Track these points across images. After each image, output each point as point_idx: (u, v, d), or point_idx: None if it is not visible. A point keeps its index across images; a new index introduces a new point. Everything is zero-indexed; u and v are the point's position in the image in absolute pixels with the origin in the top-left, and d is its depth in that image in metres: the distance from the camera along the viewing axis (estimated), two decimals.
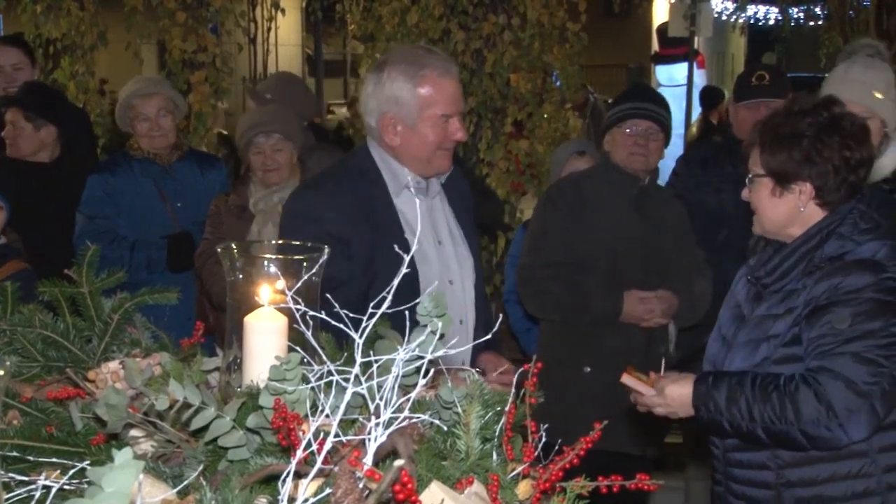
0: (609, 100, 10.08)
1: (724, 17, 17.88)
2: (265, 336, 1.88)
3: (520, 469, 1.72)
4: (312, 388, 1.62)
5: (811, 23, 13.99)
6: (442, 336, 1.72)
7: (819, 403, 2.62)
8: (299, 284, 1.79)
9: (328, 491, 1.44)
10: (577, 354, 4.26)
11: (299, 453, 1.41)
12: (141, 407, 1.77)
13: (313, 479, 1.42)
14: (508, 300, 4.98)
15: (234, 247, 1.97)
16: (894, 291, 2.72)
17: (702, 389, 2.75)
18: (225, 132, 8.94)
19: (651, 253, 4.28)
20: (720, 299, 4.05)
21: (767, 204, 2.88)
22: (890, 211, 2.91)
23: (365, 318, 1.59)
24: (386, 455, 1.54)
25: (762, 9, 19.06)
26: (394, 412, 1.50)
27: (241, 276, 1.95)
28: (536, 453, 1.76)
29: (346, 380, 1.53)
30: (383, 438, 1.49)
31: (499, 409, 1.78)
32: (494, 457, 1.73)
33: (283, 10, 8.43)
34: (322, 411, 1.50)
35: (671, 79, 11.57)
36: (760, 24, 19.49)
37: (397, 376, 1.56)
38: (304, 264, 1.91)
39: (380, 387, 1.53)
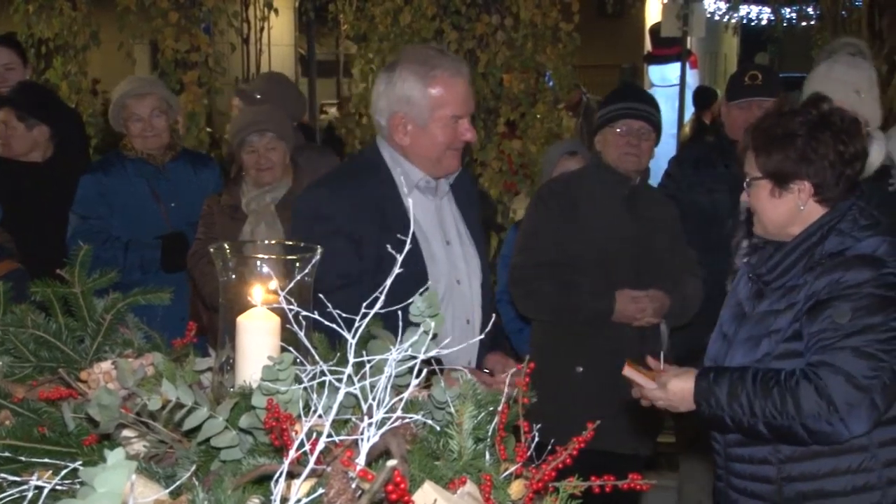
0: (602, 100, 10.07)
1: (716, 18, 17.88)
2: (258, 336, 1.87)
3: (512, 469, 1.72)
4: (305, 389, 1.61)
5: (804, 23, 13.99)
6: (435, 336, 1.72)
7: (820, 398, 2.64)
8: (292, 284, 1.79)
9: (321, 491, 1.44)
10: (570, 354, 4.27)
11: (292, 453, 1.41)
12: (133, 407, 1.77)
13: (306, 480, 1.42)
14: (500, 300, 4.98)
15: (227, 247, 1.97)
16: (894, 287, 2.74)
17: (703, 384, 2.77)
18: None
19: (642, 253, 4.28)
20: (713, 299, 4.08)
21: (767, 205, 2.90)
22: (889, 208, 2.94)
23: (357, 319, 1.59)
24: (379, 455, 1.54)
25: (755, 9, 19.08)
26: (386, 412, 1.50)
27: (233, 277, 1.94)
28: (529, 453, 1.76)
29: (339, 380, 1.53)
30: (376, 438, 1.49)
31: (491, 409, 1.78)
32: (487, 457, 1.73)
33: (276, 10, 8.41)
34: (315, 411, 1.50)
35: (664, 79, 11.56)
36: (753, 24, 19.51)
37: (390, 376, 1.56)
38: (297, 264, 1.91)
39: (372, 387, 1.53)
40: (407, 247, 1.65)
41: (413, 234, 3.06)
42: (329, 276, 2.89)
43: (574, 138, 8.36)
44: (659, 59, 11.70)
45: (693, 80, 12.00)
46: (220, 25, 7.61)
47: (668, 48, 11.09)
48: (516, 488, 1.68)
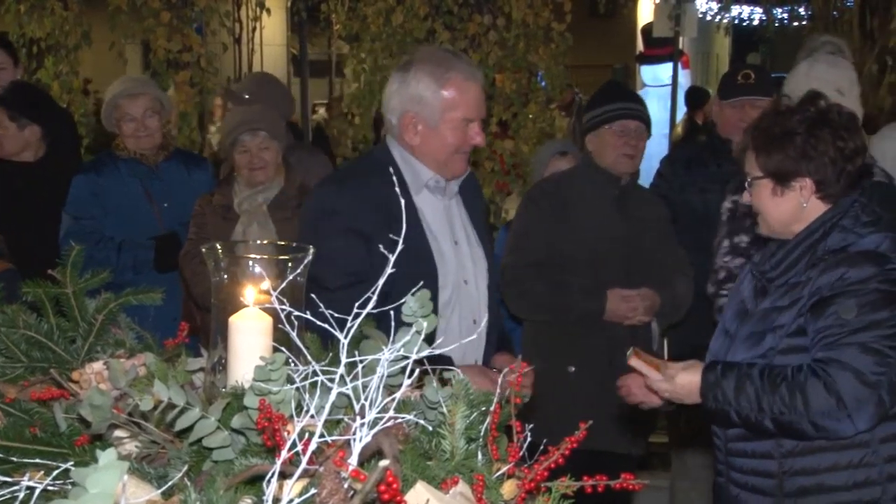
0: None
1: (708, 18, 17.90)
2: (250, 336, 1.87)
3: (505, 469, 1.72)
4: (297, 389, 1.61)
5: (795, 23, 14.01)
6: (433, 336, 1.72)
7: (828, 394, 2.65)
8: (284, 285, 1.79)
9: (313, 491, 1.44)
10: (562, 354, 4.27)
11: (284, 454, 1.41)
12: (125, 407, 1.77)
13: (298, 480, 1.42)
14: None
15: (219, 247, 1.97)
16: None
17: (710, 378, 2.77)
18: None
19: (633, 252, 4.29)
20: (706, 298, 4.09)
21: (770, 204, 2.92)
22: (891, 205, 2.96)
23: (350, 319, 1.58)
24: (371, 455, 1.54)
25: (746, 9, 19.09)
26: (379, 412, 1.50)
27: (225, 277, 1.94)
28: (521, 453, 1.76)
29: (331, 380, 1.53)
30: (368, 438, 1.48)
31: (484, 409, 1.78)
32: (479, 457, 1.73)
33: (268, 10, 8.40)
34: (307, 411, 1.50)
35: (656, 79, 11.55)
36: (745, 24, 19.52)
37: (382, 376, 1.56)
38: (289, 264, 1.91)
39: (365, 387, 1.53)
40: (400, 246, 1.64)
41: (423, 232, 3.12)
42: (338, 273, 2.90)
43: (566, 138, 8.37)
44: (651, 59, 11.70)
45: (685, 80, 12.00)
46: (212, 25, 7.61)
47: (660, 48, 11.08)
48: (508, 488, 1.68)
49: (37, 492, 1.40)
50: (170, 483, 1.58)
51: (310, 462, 1.42)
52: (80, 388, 1.99)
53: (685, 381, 2.81)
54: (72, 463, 1.55)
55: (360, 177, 3.22)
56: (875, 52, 12.35)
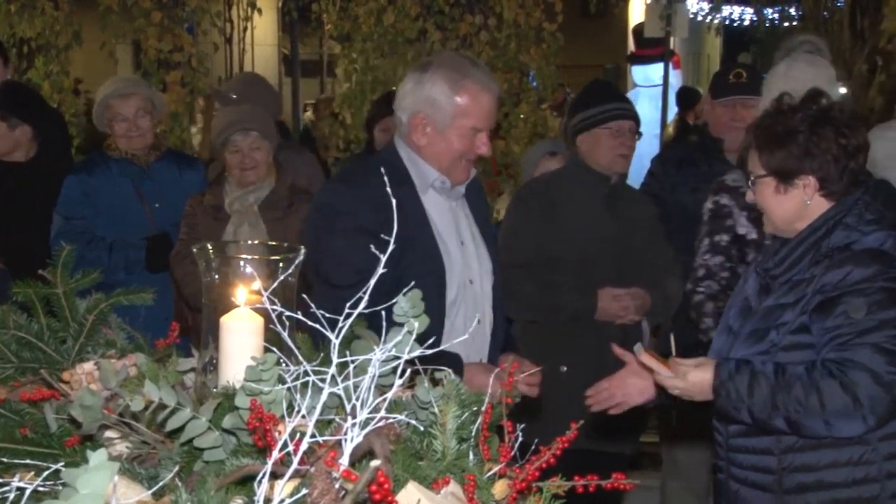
0: None
1: (699, 18, 17.96)
2: (241, 336, 1.87)
3: (496, 469, 1.72)
4: (289, 389, 1.61)
5: (786, 24, 14.05)
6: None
7: (845, 394, 2.66)
8: (275, 285, 1.79)
9: (304, 492, 1.44)
10: (553, 354, 4.26)
11: (275, 454, 1.41)
12: (116, 408, 1.77)
13: (289, 480, 1.42)
14: None
15: (210, 247, 1.97)
16: None
17: (724, 375, 2.78)
18: None
19: (623, 252, 4.30)
20: None
21: (773, 202, 2.93)
22: (894, 203, 2.96)
23: (341, 319, 1.58)
24: (362, 455, 1.54)
25: (737, 10, 19.15)
26: (370, 412, 1.50)
27: (216, 277, 1.94)
28: (513, 453, 1.76)
29: (323, 380, 1.53)
30: (359, 439, 1.48)
31: (475, 409, 1.78)
32: (471, 457, 1.73)
33: (259, 10, 8.40)
34: (298, 412, 1.50)
35: (647, 79, 11.57)
36: (736, 24, 19.58)
37: (374, 376, 1.56)
38: (280, 265, 1.91)
39: (356, 387, 1.53)
40: (391, 246, 1.64)
41: (431, 232, 3.12)
42: (347, 271, 2.91)
43: (557, 138, 8.37)
44: (642, 59, 11.70)
45: (676, 80, 12.00)
46: (203, 25, 7.61)
47: (652, 48, 11.09)
48: (500, 488, 1.68)
49: (27, 492, 1.40)
50: (161, 483, 1.57)
51: (301, 462, 1.42)
52: (71, 389, 1.99)
53: (697, 378, 2.81)
54: (62, 463, 1.55)
55: (367, 176, 3.22)
56: (865, 53, 12.39)
